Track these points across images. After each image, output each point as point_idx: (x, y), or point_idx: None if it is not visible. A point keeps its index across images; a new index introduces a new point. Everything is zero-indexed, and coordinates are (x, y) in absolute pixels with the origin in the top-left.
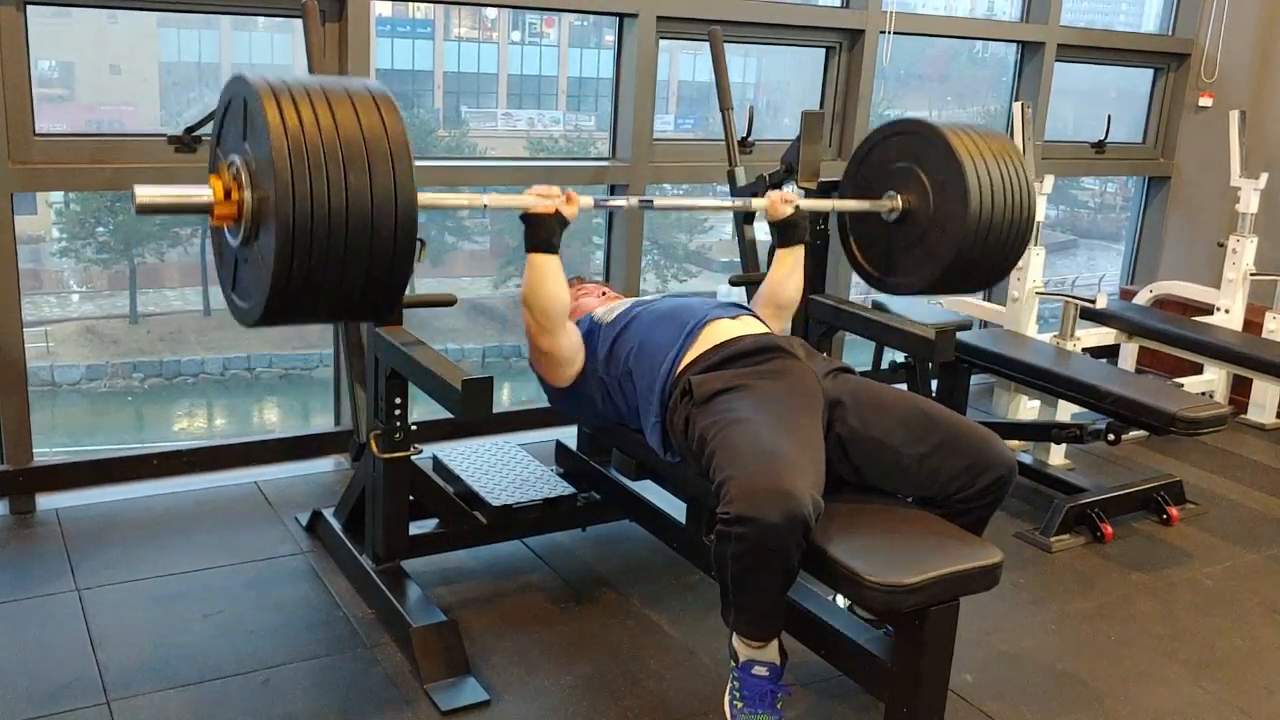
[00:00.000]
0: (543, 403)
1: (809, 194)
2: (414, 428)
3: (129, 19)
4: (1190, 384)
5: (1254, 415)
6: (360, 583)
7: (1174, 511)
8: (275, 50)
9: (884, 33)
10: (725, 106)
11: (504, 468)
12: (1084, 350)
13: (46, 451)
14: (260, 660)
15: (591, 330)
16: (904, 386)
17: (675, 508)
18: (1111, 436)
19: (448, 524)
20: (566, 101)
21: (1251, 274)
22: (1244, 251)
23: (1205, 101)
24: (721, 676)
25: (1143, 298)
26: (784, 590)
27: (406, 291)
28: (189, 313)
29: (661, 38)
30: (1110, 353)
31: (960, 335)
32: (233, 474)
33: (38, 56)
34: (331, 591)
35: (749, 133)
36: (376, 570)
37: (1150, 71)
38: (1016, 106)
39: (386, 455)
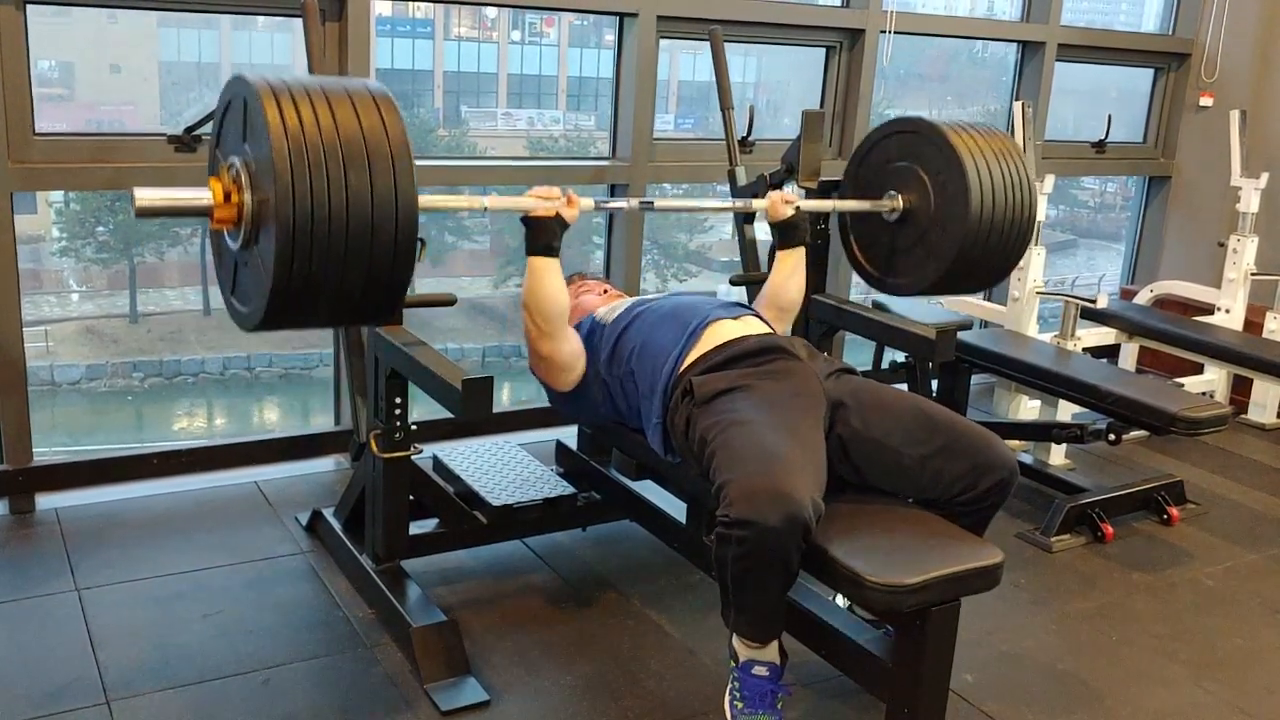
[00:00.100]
0: (543, 403)
1: (809, 193)
2: (414, 427)
3: (129, 18)
4: (1191, 384)
5: (1254, 415)
6: (360, 583)
7: (1174, 511)
8: (275, 50)
9: (884, 32)
10: (725, 106)
11: (504, 467)
12: (1084, 350)
13: (46, 451)
14: (260, 660)
15: (593, 330)
16: (905, 386)
17: (676, 508)
18: (1112, 436)
19: (448, 524)
20: (566, 101)
21: (1252, 274)
22: (1244, 251)
23: (1206, 101)
24: (721, 676)
25: (1143, 297)
26: (784, 591)
27: (406, 291)
28: (189, 312)
29: (662, 37)
30: (1111, 353)
31: (961, 335)
32: (232, 474)
33: (38, 56)
34: (331, 591)
35: (749, 132)
36: (376, 570)
37: (1150, 71)
38: (1017, 106)
39: (386, 455)
